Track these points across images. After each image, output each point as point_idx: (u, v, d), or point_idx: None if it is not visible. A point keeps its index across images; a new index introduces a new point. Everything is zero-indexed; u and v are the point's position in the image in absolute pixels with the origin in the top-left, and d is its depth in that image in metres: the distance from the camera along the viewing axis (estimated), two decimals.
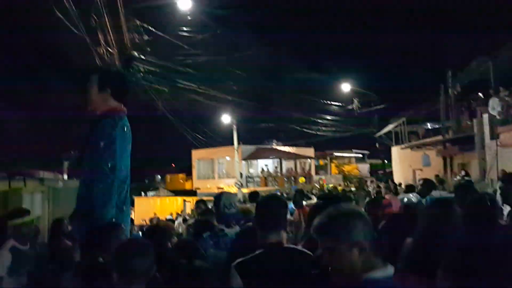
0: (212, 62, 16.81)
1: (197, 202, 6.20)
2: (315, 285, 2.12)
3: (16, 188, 7.93)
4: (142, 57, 10.31)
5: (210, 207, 5.50)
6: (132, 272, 2.11)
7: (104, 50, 8.52)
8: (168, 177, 45.96)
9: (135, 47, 9.66)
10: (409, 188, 11.14)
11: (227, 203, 3.68)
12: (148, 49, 10.48)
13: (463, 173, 13.82)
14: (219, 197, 3.80)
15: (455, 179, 13.12)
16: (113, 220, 2.83)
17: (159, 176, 49.52)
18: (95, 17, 8.17)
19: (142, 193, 40.48)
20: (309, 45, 54.85)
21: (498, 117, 14.46)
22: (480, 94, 16.69)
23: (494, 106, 14.69)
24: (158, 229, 3.71)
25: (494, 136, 14.28)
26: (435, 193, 7.52)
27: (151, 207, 29.76)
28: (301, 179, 30.91)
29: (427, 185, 7.03)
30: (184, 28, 12.79)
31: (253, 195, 8.36)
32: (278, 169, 33.86)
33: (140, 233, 10.14)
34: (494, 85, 14.98)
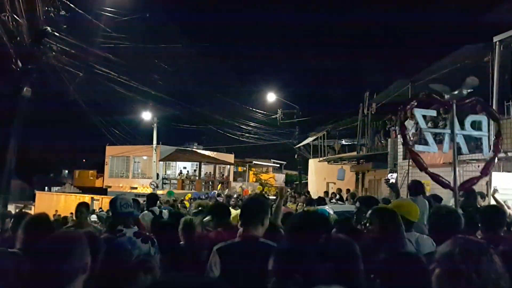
0: (137, 51, 15.71)
1: (79, 204, 5.62)
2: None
3: None
4: (56, 34, 9.20)
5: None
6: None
7: (10, 18, 7.37)
8: (76, 172, 43.17)
9: (49, 21, 8.55)
10: (320, 201, 11.16)
11: (123, 202, 3.77)
12: (64, 26, 9.39)
13: (337, 196, 14.14)
14: (114, 199, 3.87)
15: (331, 201, 13.53)
16: None
17: (66, 171, 46.22)
18: None
19: (46, 188, 37.72)
20: (241, 52, 55.21)
21: (411, 138, 15.22)
22: (393, 117, 17.50)
23: (409, 127, 15.45)
24: None
25: (406, 156, 14.99)
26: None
27: (54, 204, 27.57)
28: (219, 186, 30.46)
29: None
30: (108, 8, 11.75)
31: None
32: (197, 173, 33.16)
33: None
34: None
